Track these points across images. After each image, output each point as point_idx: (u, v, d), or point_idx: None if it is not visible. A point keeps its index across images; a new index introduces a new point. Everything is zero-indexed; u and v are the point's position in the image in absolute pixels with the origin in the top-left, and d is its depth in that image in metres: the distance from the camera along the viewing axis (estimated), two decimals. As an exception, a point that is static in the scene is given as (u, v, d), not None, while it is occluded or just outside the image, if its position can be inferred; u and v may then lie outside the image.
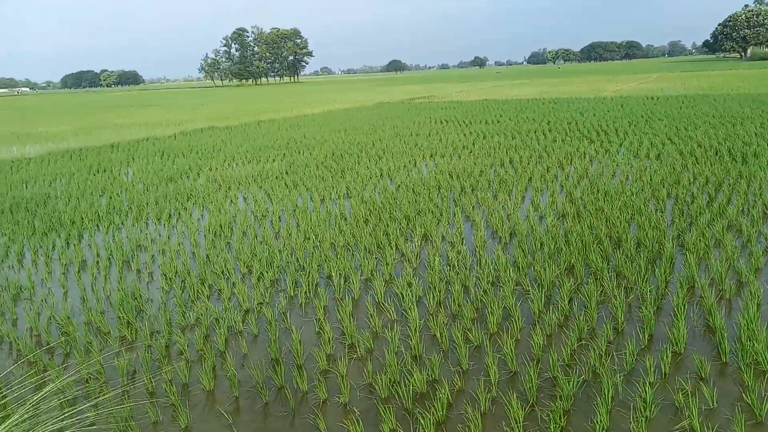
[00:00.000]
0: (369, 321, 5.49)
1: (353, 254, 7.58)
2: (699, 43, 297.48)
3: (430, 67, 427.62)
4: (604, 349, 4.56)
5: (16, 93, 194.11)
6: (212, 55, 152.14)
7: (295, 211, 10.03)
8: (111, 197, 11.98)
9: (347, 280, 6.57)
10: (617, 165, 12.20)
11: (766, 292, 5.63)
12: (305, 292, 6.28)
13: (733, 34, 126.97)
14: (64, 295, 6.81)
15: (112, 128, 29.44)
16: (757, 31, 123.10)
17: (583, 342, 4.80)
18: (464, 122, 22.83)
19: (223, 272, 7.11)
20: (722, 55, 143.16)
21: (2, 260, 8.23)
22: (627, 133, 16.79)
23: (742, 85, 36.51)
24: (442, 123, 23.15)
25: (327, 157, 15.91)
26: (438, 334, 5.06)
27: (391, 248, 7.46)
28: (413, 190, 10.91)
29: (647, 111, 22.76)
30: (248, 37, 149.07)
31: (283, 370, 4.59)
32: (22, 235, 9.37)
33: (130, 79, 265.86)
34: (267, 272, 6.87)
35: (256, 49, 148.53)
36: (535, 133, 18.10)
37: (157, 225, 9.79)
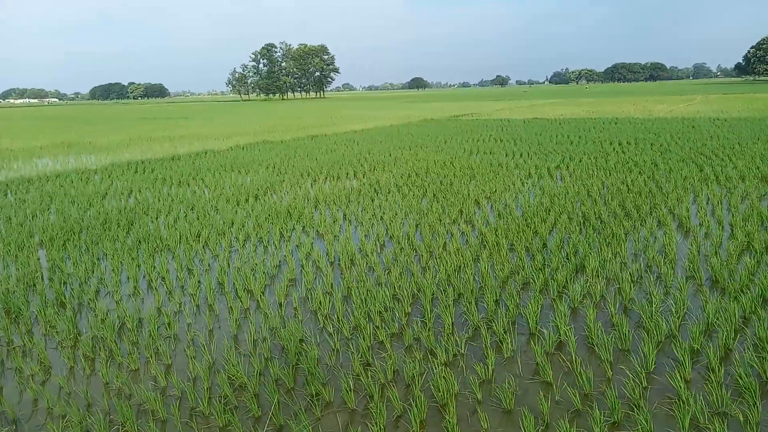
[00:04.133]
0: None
1: (540, 294, 6.59)
2: (724, 65, 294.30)
3: (451, 85, 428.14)
4: None
5: (46, 103, 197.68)
6: (240, 70, 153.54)
7: (414, 236, 9.09)
8: (203, 215, 11.15)
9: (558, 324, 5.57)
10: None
11: None
12: (511, 342, 5.28)
13: (766, 57, 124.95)
14: (209, 335, 5.89)
15: (161, 140, 28.96)
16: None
17: None
18: (533, 141, 21.80)
19: (386, 310, 6.15)
20: (751, 78, 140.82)
21: (115, 287, 7.35)
22: (747, 156, 15.62)
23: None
24: (508, 142, 22.16)
25: (410, 175, 14.99)
26: None
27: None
28: (540, 217, 9.90)
29: (728, 133, 21.55)
30: (276, 52, 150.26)
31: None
32: (129, 256, 8.52)
33: (156, 92, 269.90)
34: (444, 313, 5.89)
35: (283, 64, 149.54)
36: (624, 153, 17.02)
37: (269, 247, 8.89)
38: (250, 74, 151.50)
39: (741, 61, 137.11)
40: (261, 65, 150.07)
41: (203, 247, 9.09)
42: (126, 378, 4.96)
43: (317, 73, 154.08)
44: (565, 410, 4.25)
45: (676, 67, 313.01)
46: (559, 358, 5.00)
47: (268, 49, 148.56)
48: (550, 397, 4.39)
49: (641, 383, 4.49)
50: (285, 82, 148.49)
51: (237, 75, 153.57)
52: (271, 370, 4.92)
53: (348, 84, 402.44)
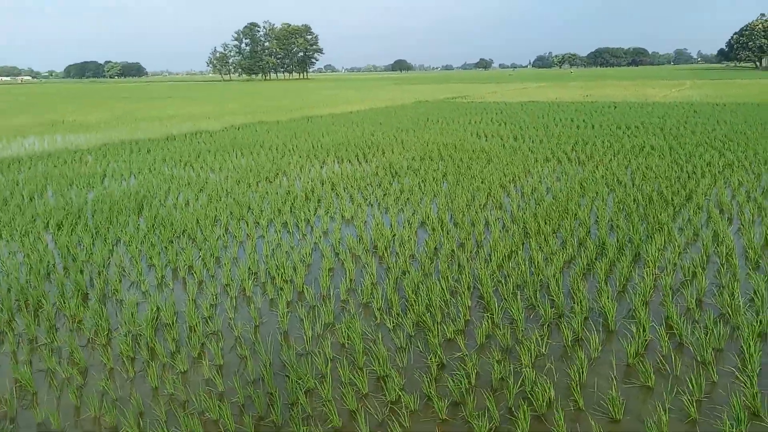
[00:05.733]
0: None
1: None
2: (705, 52, 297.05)
3: (434, 68, 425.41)
4: None
5: (19, 81, 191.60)
6: (221, 49, 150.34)
7: (447, 222, 8.64)
8: (215, 198, 10.53)
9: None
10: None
11: None
12: (595, 340, 4.86)
13: (749, 44, 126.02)
14: (256, 331, 5.38)
15: (150, 120, 27.96)
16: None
17: None
18: (537, 125, 21.39)
19: (446, 304, 5.70)
20: (732, 64, 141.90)
21: (139, 276, 6.76)
22: None
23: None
24: (512, 125, 21.73)
25: (423, 158, 14.47)
26: None
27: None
28: (575, 202, 9.49)
29: (732, 118, 21.38)
30: (259, 31, 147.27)
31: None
32: (147, 242, 7.90)
33: (133, 71, 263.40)
34: (512, 307, 5.45)
35: (266, 44, 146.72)
36: (636, 137, 16.67)
37: (295, 234, 8.37)
38: (232, 54, 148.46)
39: (724, 47, 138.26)
40: (243, 45, 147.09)
41: (225, 232, 8.51)
42: (177, 381, 4.44)
43: (300, 54, 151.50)
44: (680, 421, 3.84)
45: (658, 53, 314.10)
46: (655, 358, 4.59)
47: (251, 28, 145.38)
48: (659, 405, 3.97)
49: (753, 388, 4.11)
50: (268, 63, 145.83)
51: (218, 54, 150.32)
52: (340, 373, 4.44)
53: (330, 65, 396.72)
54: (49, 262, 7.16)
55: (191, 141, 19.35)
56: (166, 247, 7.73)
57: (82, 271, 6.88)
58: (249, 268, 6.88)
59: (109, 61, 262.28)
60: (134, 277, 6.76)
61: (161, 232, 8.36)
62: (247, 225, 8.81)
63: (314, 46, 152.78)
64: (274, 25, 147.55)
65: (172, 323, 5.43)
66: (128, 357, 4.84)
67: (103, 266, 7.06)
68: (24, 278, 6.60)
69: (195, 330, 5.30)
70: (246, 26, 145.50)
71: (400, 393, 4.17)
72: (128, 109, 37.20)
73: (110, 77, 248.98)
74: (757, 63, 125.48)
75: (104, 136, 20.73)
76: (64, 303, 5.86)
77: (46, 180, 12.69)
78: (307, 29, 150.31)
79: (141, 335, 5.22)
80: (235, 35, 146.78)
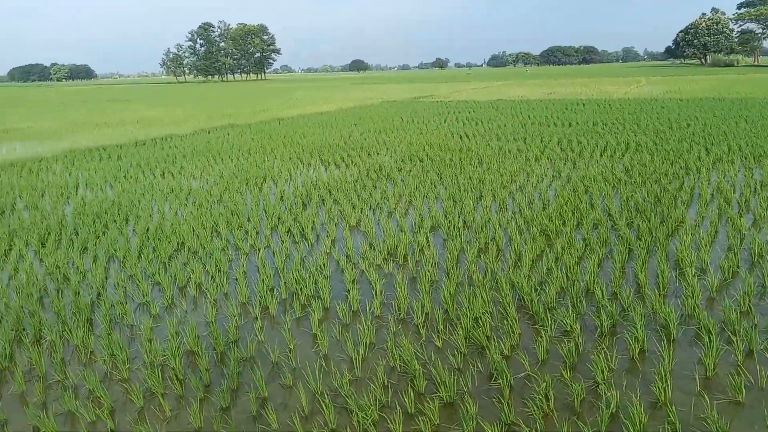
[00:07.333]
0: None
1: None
2: (651, 49, 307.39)
3: (391, 68, 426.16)
4: None
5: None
6: (175, 50, 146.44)
7: (459, 225, 8.32)
8: (206, 207, 9.91)
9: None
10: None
11: None
12: (667, 350, 4.59)
13: (694, 41, 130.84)
14: (292, 354, 4.90)
15: (113, 125, 26.71)
16: (717, 38, 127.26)
17: None
18: (515, 124, 21.37)
19: (491, 316, 5.34)
20: (678, 61, 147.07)
21: (145, 297, 6.16)
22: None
23: (745, 89, 36.36)
24: (488, 124, 21.64)
25: (411, 158, 14.12)
26: None
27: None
28: (584, 201, 9.31)
29: (701, 113, 21.86)
30: (214, 32, 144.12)
31: None
32: (145, 259, 7.27)
33: (82, 73, 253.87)
34: (565, 317, 5.14)
35: (222, 44, 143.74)
36: (617, 134, 16.78)
37: (302, 243, 7.88)
38: (187, 55, 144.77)
39: (671, 45, 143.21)
40: (198, 45, 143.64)
41: (227, 244, 7.95)
42: (225, 419, 3.94)
43: (257, 54, 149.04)
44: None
45: (607, 51, 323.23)
46: (731, 369, 4.36)
47: (205, 28, 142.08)
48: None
49: None
50: (224, 63, 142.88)
51: (172, 56, 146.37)
52: (405, 401, 4.03)
53: (287, 66, 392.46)
54: (39, 283, 6.48)
55: (162, 146, 18.46)
56: (166, 263, 7.13)
57: (77, 293, 6.23)
58: (264, 283, 6.37)
59: (56, 64, 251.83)
60: (140, 298, 6.16)
61: (157, 246, 7.73)
62: (248, 235, 8.26)
63: (271, 47, 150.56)
64: (229, 25, 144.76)
65: (199, 351, 4.89)
66: (160, 393, 4.29)
67: (102, 287, 6.42)
68: (14, 303, 5.92)
69: (225, 357, 4.79)
70: (200, 26, 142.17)
71: (478, 421, 3.79)
72: (85, 113, 35.56)
73: (57, 80, 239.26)
74: (702, 60, 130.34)
75: (67, 143, 19.59)
76: (69, 332, 5.25)
77: (13, 191, 11.76)
78: (263, 29, 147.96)
79: (166, 366, 4.67)
80: (189, 36, 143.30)
